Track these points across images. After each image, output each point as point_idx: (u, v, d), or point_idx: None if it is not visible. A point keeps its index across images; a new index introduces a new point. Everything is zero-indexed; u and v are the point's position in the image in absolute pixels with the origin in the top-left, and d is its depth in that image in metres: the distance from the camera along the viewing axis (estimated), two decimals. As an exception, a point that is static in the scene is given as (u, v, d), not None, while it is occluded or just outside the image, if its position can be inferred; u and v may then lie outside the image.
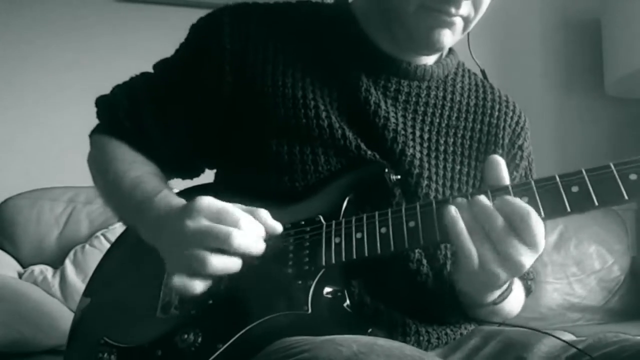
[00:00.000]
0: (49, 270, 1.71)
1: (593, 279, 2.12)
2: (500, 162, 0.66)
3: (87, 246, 1.74)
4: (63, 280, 1.67)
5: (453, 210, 0.62)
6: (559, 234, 2.12)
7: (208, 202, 0.66)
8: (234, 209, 0.66)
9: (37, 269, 1.70)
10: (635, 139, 2.40)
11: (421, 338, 0.75)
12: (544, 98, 2.39)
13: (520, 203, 0.60)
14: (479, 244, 0.61)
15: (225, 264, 0.64)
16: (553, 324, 1.96)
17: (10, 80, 2.06)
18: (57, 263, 1.74)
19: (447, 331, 0.78)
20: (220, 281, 0.68)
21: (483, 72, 0.92)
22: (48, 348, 1.41)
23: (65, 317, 1.41)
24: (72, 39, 2.10)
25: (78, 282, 1.65)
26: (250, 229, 0.66)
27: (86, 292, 0.84)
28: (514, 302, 0.80)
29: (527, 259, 0.60)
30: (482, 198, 0.62)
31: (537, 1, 2.44)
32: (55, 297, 1.63)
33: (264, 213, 0.69)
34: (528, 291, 0.87)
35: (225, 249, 0.64)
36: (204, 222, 0.64)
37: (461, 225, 0.62)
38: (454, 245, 0.63)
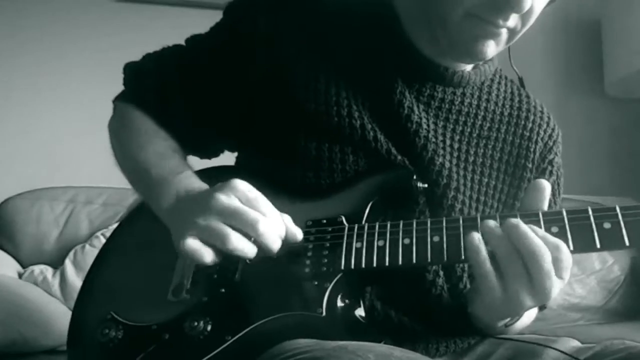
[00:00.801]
0: (48, 270, 1.71)
1: (593, 279, 2.11)
2: (545, 189, 0.64)
3: (87, 246, 1.74)
4: (63, 280, 1.68)
5: (477, 238, 0.60)
6: (559, 234, 2.12)
7: (245, 185, 0.65)
8: (267, 202, 0.65)
9: (37, 269, 1.70)
10: (635, 139, 2.40)
11: (430, 346, 0.74)
12: (543, 98, 2.38)
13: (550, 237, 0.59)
14: (511, 269, 0.59)
15: (244, 246, 0.63)
16: (553, 324, 1.96)
17: (10, 80, 2.06)
18: (57, 263, 1.74)
19: (456, 340, 0.78)
20: (235, 271, 0.67)
21: (521, 80, 0.89)
22: (47, 348, 1.41)
23: (64, 317, 1.41)
24: (72, 39, 2.10)
25: (78, 282, 1.64)
26: (276, 224, 0.65)
27: (95, 266, 0.82)
28: (525, 318, 0.78)
29: (556, 288, 0.59)
30: (518, 221, 0.60)
31: (537, 1, 2.43)
32: (55, 297, 1.64)
33: (288, 218, 0.67)
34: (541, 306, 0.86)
35: (248, 233, 0.63)
36: (236, 202, 0.63)
37: (484, 254, 0.60)
38: (475, 275, 0.62)
